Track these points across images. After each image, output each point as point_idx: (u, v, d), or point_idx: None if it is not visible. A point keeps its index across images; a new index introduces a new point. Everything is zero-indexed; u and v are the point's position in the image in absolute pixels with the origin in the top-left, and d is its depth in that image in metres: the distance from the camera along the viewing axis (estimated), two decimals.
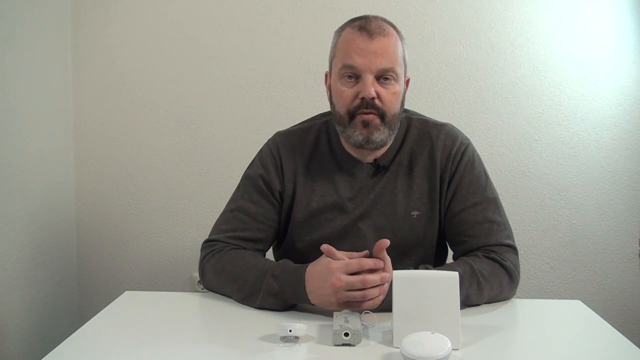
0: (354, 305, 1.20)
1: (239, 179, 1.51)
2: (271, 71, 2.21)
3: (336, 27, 1.42)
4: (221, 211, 1.49)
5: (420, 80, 2.18)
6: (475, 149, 1.48)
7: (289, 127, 1.55)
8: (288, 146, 1.47)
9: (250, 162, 1.53)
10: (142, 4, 2.22)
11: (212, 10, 2.21)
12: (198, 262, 1.45)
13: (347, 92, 1.35)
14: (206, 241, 1.46)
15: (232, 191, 1.51)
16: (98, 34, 2.23)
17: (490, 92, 2.19)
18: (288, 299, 1.27)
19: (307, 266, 1.26)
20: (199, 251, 1.46)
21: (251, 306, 1.30)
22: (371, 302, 1.20)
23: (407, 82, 1.42)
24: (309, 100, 2.19)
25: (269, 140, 1.52)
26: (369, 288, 1.19)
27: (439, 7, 2.17)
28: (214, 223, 1.49)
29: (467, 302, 1.27)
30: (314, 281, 1.22)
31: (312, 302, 1.24)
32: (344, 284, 1.18)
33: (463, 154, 1.43)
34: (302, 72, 2.20)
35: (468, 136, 1.49)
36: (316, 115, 1.55)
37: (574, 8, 2.15)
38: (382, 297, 1.21)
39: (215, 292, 1.39)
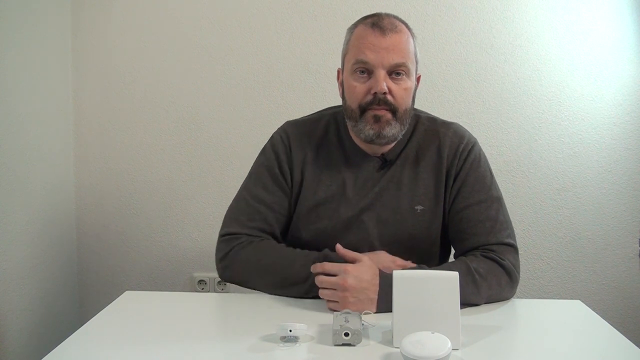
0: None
1: (239, 179, 1.51)
2: (271, 71, 2.21)
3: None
4: (229, 203, 1.48)
5: (421, 80, 2.17)
6: (482, 148, 1.49)
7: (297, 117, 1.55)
8: (298, 135, 1.48)
9: (254, 157, 1.52)
10: (142, 4, 2.22)
11: (212, 10, 2.21)
12: (217, 255, 1.42)
13: (359, 87, 1.36)
14: (227, 234, 1.43)
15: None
16: (98, 34, 2.24)
17: (490, 92, 2.19)
18: None
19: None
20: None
21: (289, 295, 1.33)
22: (332, 304, 1.26)
23: (418, 80, 1.44)
24: (309, 100, 2.19)
25: (278, 129, 1.52)
26: (322, 288, 1.27)
27: (439, 7, 2.17)
28: (225, 213, 1.47)
29: (464, 301, 1.27)
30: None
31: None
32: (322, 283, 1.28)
33: (470, 152, 1.44)
34: (302, 72, 2.20)
35: None
36: (324, 108, 1.56)
37: (574, 8, 2.15)
38: (340, 304, 1.24)
39: (240, 285, 1.40)
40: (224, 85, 2.22)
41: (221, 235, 1.44)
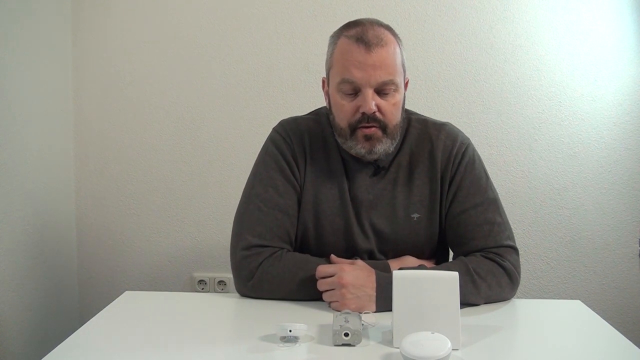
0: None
1: (239, 179, 1.50)
2: (271, 71, 2.21)
3: (336, 27, 1.40)
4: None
5: (420, 80, 2.18)
6: (476, 148, 1.48)
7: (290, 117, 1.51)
8: (298, 132, 1.44)
9: (254, 157, 1.47)
10: (142, 4, 2.22)
11: (211, 10, 2.21)
12: (241, 272, 1.35)
13: (347, 106, 1.33)
14: (246, 247, 1.35)
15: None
16: (98, 34, 2.24)
17: (490, 92, 2.19)
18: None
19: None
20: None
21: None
22: (334, 303, 1.26)
23: (406, 84, 1.40)
24: (309, 100, 2.18)
25: (275, 127, 1.47)
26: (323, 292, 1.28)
27: (439, 7, 2.17)
28: (233, 221, 1.41)
29: (463, 300, 1.26)
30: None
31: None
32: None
33: (463, 154, 1.42)
34: (302, 72, 2.20)
35: (468, 136, 1.48)
36: (318, 108, 1.52)
37: (574, 8, 2.15)
38: (340, 302, 1.25)
39: (267, 298, 1.34)
40: (224, 85, 2.22)
41: (241, 249, 1.35)
